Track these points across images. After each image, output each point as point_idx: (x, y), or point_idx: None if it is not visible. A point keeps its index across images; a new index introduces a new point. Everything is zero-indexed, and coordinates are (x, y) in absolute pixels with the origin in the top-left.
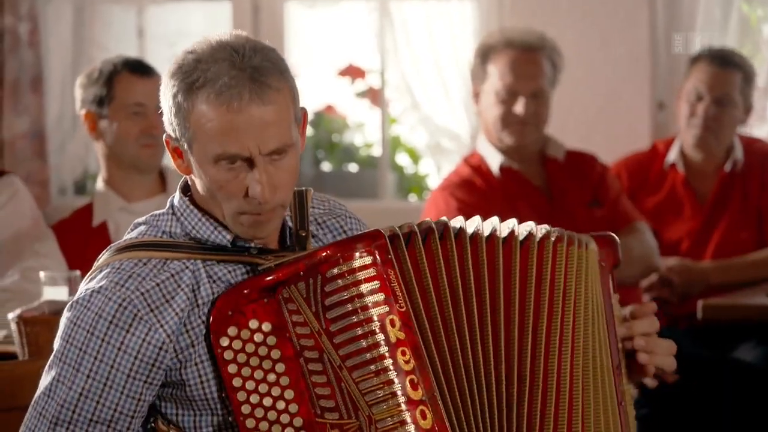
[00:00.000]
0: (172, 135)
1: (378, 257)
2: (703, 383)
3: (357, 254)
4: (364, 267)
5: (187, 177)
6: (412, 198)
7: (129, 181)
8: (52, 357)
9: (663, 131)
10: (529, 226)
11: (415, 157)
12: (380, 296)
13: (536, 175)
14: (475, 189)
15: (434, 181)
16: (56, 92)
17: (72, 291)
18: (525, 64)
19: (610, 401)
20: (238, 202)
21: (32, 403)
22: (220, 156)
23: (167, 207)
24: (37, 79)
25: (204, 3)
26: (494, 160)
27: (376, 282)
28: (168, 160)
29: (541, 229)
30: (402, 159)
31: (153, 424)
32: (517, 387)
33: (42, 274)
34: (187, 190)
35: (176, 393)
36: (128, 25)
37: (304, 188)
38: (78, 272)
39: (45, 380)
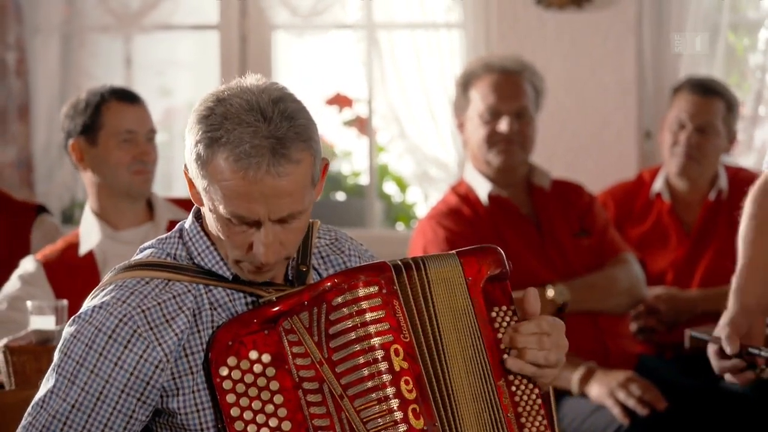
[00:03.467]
0: (189, 172)
1: (383, 287)
2: (690, 412)
3: (362, 283)
4: (370, 296)
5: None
6: (400, 227)
7: (117, 210)
8: (50, 369)
9: (650, 160)
10: None
11: (402, 186)
12: (385, 325)
13: (524, 204)
14: (463, 218)
15: (422, 210)
16: (43, 121)
17: (59, 320)
18: (506, 85)
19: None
20: (241, 253)
21: (26, 412)
22: (230, 215)
23: (176, 230)
24: (24, 108)
25: (191, 32)
26: (482, 189)
27: (381, 311)
28: (158, 189)
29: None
30: (389, 188)
31: None
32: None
33: (29, 303)
34: (200, 216)
35: (171, 421)
36: (116, 54)
37: (311, 220)
38: (65, 302)
39: (41, 391)
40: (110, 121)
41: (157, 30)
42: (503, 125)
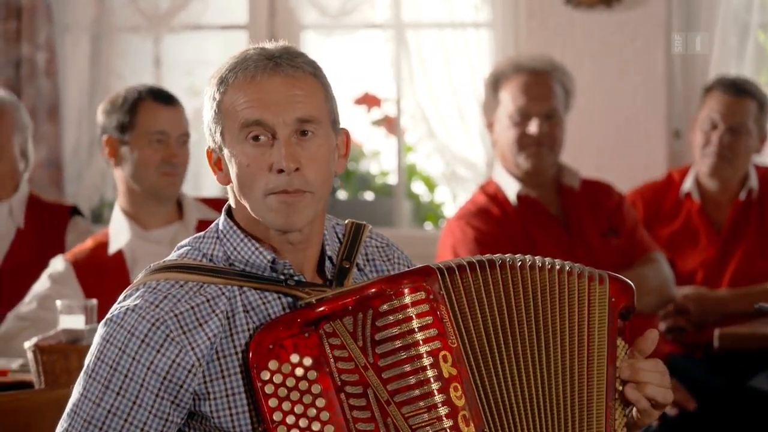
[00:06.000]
0: (211, 142)
1: (430, 293)
2: (719, 412)
3: (408, 289)
4: (417, 302)
5: (229, 201)
6: (428, 226)
7: (146, 209)
8: (82, 372)
9: (679, 160)
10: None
11: (430, 186)
12: (433, 332)
13: (553, 204)
14: (492, 218)
15: (450, 210)
16: (73, 121)
17: (88, 320)
18: (536, 86)
19: None
20: (265, 179)
21: (62, 418)
22: (245, 125)
23: (213, 230)
24: (54, 108)
25: (220, 32)
26: (511, 189)
27: (428, 318)
28: (188, 189)
29: (561, 263)
30: (418, 187)
31: None
32: (551, 417)
33: (58, 302)
34: (230, 213)
35: (205, 423)
36: (145, 54)
37: (363, 223)
38: (94, 301)
39: (74, 395)
40: (144, 120)
41: (186, 30)
42: (533, 127)
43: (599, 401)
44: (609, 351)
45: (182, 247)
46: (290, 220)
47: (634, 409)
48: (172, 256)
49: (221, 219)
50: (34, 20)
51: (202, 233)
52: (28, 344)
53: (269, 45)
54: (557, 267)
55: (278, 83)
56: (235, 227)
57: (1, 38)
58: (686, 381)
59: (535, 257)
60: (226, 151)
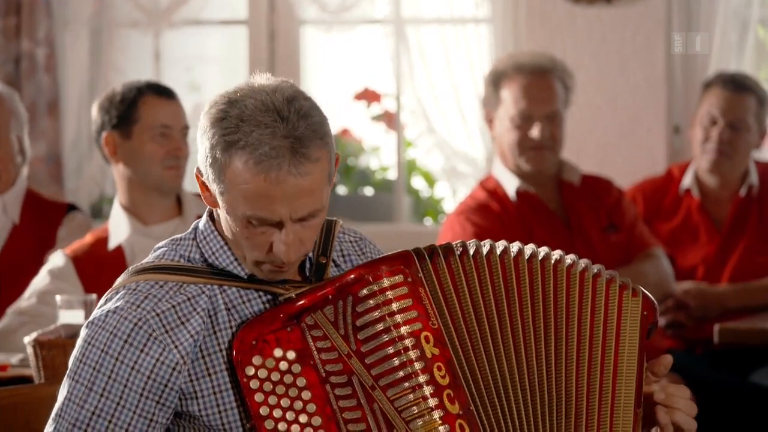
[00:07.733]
0: (204, 176)
1: (408, 276)
2: (720, 408)
3: (386, 273)
4: (396, 285)
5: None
6: (428, 221)
7: (147, 205)
8: (65, 376)
9: (679, 155)
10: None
11: (430, 181)
12: (413, 313)
13: (552, 200)
14: (491, 213)
15: (450, 205)
16: (73, 116)
17: (88, 315)
18: (538, 88)
19: None
20: (261, 254)
21: (48, 423)
22: (251, 218)
23: (190, 231)
24: (53, 103)
25: (220, 27)
26: (510, 184)
27: (408, 300)
28: (187, 184)
29: (587, 262)
30: (417, 182)
31: None
32: (549, 402)
33: (58, 297)
34: (213, 218)
35: (194, 422)
36: (145, 49)
37: (334, 219)
38: (94, 296)
39: (59, 399)
40: (146, 115)
41: (186, 25)
42: (535, 132)
43: (627, 405)
44: (638, 361)
45: (159, 248)
46: (276, 278)
47: (656, 429)
48: (150, 258)
49: (202, 221)
50: (33, 16)
51: (179, 236)
52: (27, 339)
53: (278, 96)
54: (581, 265)
55: (289, 184)
56: (216, 232)
57: (1, 34)
58: (686, 376)
59: (554, 251)
60: (221, 204)
